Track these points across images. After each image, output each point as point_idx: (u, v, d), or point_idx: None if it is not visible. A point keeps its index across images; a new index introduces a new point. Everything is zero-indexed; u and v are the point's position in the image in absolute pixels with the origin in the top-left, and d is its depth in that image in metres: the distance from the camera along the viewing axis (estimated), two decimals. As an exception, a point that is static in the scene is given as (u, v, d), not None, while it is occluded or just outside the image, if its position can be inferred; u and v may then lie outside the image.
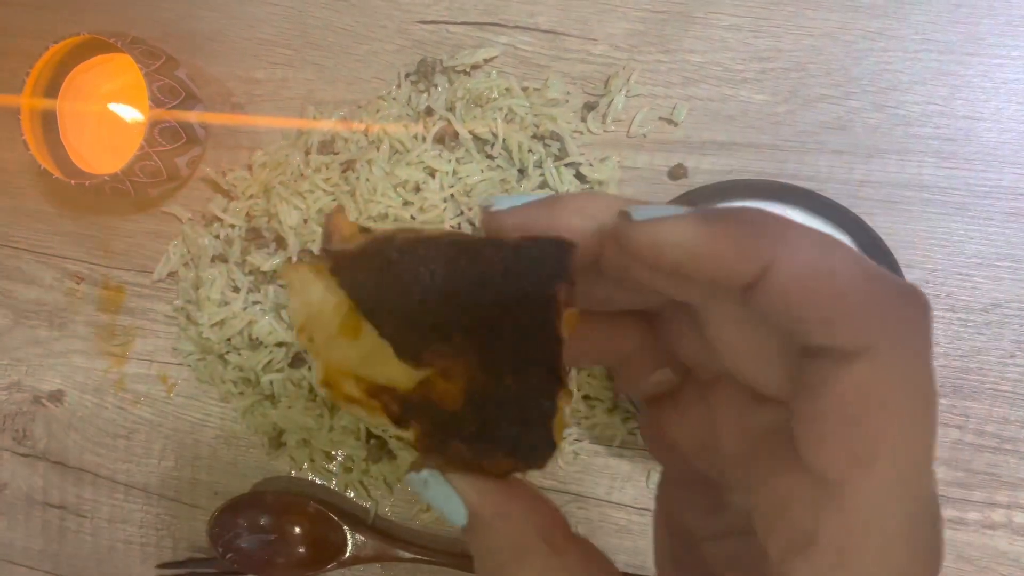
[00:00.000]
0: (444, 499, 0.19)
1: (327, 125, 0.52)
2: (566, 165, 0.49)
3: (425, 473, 0.19)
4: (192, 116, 0.51)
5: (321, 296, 0.19)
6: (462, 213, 0.48)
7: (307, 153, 0.52)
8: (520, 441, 0.18)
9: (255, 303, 0.51)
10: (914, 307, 0.15)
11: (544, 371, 0.18)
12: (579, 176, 0.49)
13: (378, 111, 0.51)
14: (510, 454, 0.19)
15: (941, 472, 0.46)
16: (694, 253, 0.16)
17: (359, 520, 0.52)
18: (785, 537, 0.15)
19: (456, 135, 0.49)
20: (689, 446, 0.21)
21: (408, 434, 0.19)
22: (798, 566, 0.15)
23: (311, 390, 0.51)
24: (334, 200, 0.49)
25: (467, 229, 0.48)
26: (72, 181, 0.49)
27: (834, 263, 0.15)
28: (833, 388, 0.15)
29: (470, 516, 0.19)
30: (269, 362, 0.51)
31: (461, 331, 0.18)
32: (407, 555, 0.50)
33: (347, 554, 0.50)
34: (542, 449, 0.18)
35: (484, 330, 0.18)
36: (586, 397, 0.49)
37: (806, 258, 0.16)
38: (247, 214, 0.52)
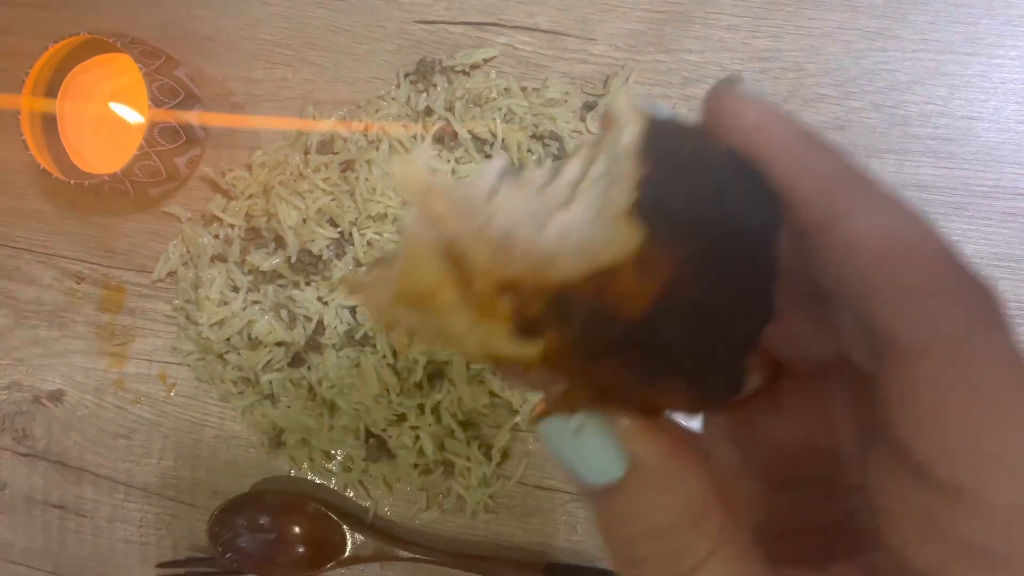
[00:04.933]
0: (599, 450, 0.15)
1: (326, 125, 0.52)
2: (565, 165, 0.49)
3: (580, 418, 0.15)
4: (192, 116, 0.52)
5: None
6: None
7: (306, 153, 0.52)
8: (706, 369, 0.14)
9: (254, 303, 0.51)
10: (992, 304, 0.15)
11: (753, 294, 0.14)
12: (578, 176, 0.49)
13: (377, 111, 0.51)
14: (691, 382, 0.14)
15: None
16: (784, 162, 0.15)
17: (358, 520, 0.52)
18: (930, 546, 0.14)
19: (455, 135, 0.49)
20: (789, 446, 0.19)
21: (530, 349, 0.14)
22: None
23: (310, 389, 0.51)
24: (333, 200, 0.49)
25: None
26: (72, 181, 0.49)
27: (915, 240, 0.15)
28: (932, 391, 0.14)
29: (631, 470, 0.15)
30: (268, 362, 0.51)
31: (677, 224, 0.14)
32: (406, 554, 0.50)
33: (346, 553, 0.50)
34: (729, 384, 0.14)
35: (702, 228, 0.14)
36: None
37: (884, 223, 0.15)
38: (246, 214, 0.52)
